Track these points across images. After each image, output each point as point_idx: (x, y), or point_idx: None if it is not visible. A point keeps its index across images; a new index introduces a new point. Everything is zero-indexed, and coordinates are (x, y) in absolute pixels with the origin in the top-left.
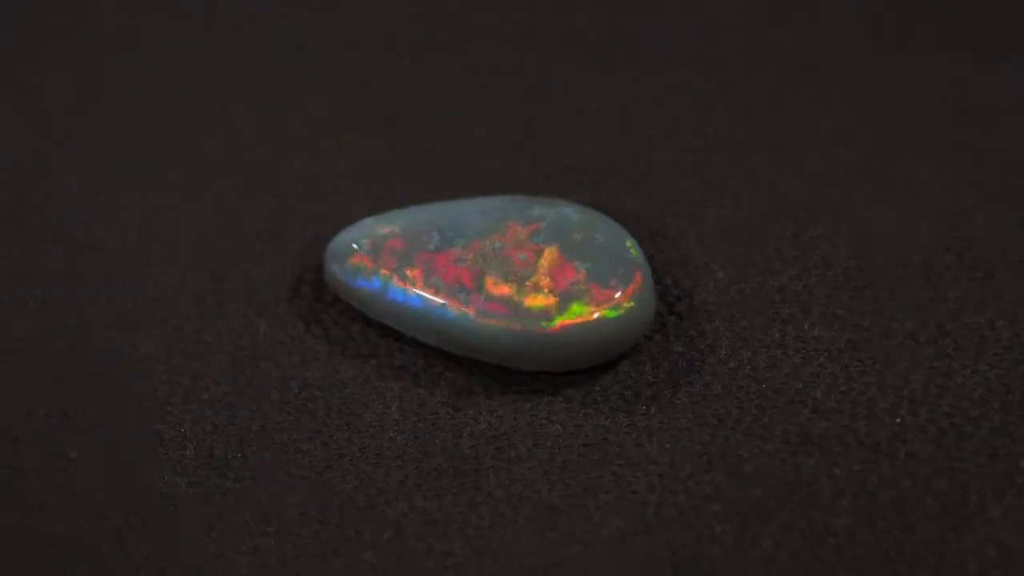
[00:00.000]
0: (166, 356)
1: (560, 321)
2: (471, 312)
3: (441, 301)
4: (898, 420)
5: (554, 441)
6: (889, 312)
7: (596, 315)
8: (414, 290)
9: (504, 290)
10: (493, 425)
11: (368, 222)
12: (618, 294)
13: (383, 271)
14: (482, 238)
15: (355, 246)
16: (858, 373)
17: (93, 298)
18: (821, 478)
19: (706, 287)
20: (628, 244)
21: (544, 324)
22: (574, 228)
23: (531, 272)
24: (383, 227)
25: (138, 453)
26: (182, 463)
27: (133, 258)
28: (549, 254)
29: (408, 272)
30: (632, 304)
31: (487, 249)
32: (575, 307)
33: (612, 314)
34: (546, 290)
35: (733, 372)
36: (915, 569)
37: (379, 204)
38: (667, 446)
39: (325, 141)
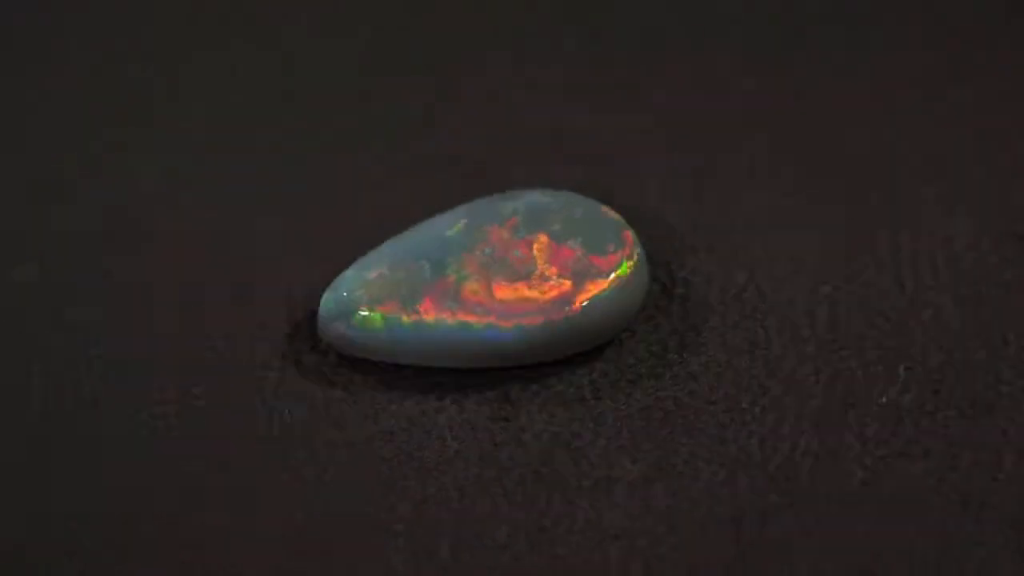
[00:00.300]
0: (204, 464)
1: (580, 298)
2: (494, 321)
3: (462, 321)
4: (907, 290)
5: (613, 416)
6: (859, 203)
7: (609, 282)
8: (432, 321)
9: (516, 291)
10: (549, 421)
11: (350, 274)
12: (620, 255)
13: (393, 314)
14: (470, 250)
15: (344, 301)
16: (859, 267)
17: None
18: (871, 367)
19: (678, 229)
20: (604, 209)
21: (567, 308)
22: (549, 211)
23: (532, 265)
24: (368, 273)
25: (229, 561)
26: (272, 554)
27: (124, 375)
28: (540, 243)
29: (419, 307)
30: (635, 260)
31: (481, 259)
32: (588, 283)
33: (624, 271)
34: (555, 277)
35: (739, 296)
36: (994, 416)
37: (335, 255)
38: (716, 384)
39: (249, 205)
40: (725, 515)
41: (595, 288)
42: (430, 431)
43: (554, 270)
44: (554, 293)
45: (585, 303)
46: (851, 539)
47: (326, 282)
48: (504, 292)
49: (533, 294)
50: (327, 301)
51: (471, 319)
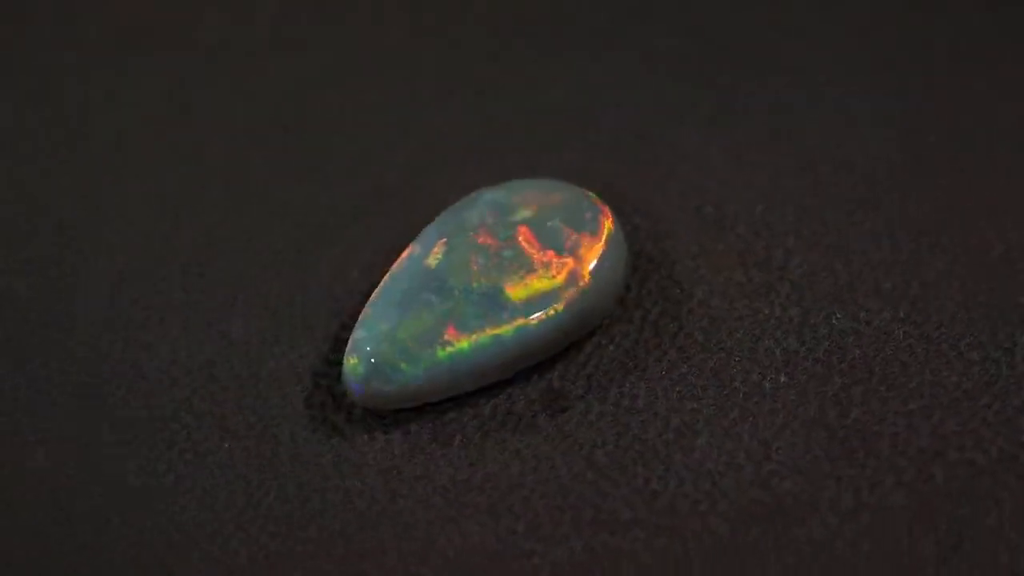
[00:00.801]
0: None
1: (586, 268)
2: (522, 321)
3: (493, 335)
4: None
5: (662, 377)
6: (779, 115)
7: (604, 243)
8: (466, 345)
9: (528, 286)
10: (603, 396)
11: (362, 334)
12: (600, 218)
13: (426, 353)
14: (464, 268)
15: (372, 360)
16: (798, 168)
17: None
18: (881, 286)
19: (616, 185)
20: (557, 183)
21: (580, 282)
22: (511, 203)
23: (528, 260)
24: (380, 325)
25: None
26: None
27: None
28: (524, 235)
29: (447, 337)
30: (612, 217)
31: (480, 270)
32: (587, 252)
33: (611, 228)
34: (555, 263)
35: (706, 222)
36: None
37: (306, 318)
38: (730, 303)
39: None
40: (807, 415)
41: (594, 254)
42: (503, 448)
43: (551, 253)
44: (563, 274)
45: (591, 269)
46: (923, 393)
47: (314, 352)
48: (518, 291)
49: (544, 283)
50: (353, 367)
51: (500, 330)
